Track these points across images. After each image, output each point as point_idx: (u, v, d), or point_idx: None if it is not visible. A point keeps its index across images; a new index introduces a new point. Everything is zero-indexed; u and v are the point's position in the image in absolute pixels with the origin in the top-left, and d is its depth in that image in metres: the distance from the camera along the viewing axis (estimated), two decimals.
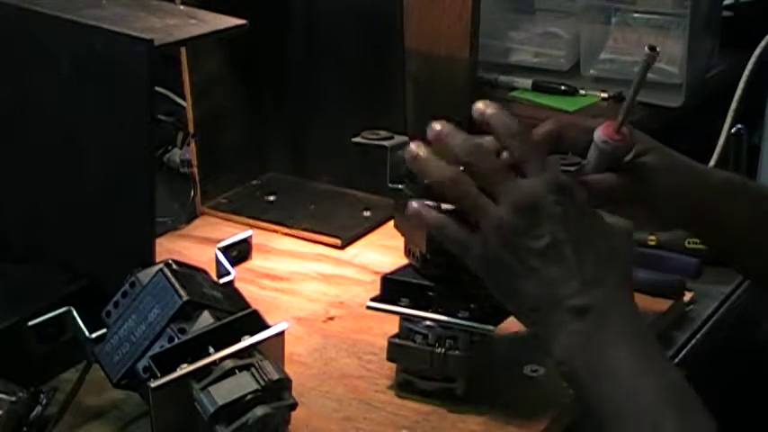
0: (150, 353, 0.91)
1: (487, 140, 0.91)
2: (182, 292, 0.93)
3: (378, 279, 1.00)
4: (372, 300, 0.99)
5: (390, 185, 0.96)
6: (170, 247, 1.22)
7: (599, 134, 0.98)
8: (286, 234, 1.30)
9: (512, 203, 0.85)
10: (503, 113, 0.90)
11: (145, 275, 0.95)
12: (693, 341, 1.14)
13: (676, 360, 1.11)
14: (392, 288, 0.99)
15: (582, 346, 0.83)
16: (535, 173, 0.87)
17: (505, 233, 0.85)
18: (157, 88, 1.31)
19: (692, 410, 0.81)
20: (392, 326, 1.00)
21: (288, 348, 0.95)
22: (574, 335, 0.83)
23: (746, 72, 1.45)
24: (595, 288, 0.84)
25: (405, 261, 0.99)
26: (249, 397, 0.87)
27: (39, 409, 0.94)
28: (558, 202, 0.85)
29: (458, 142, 0.89)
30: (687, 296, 1.18)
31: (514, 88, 1.55)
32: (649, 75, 1.50)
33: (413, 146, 0.90)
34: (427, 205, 0.90)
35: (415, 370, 0.98)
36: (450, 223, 0.89)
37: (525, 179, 0.86)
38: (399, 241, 1.00)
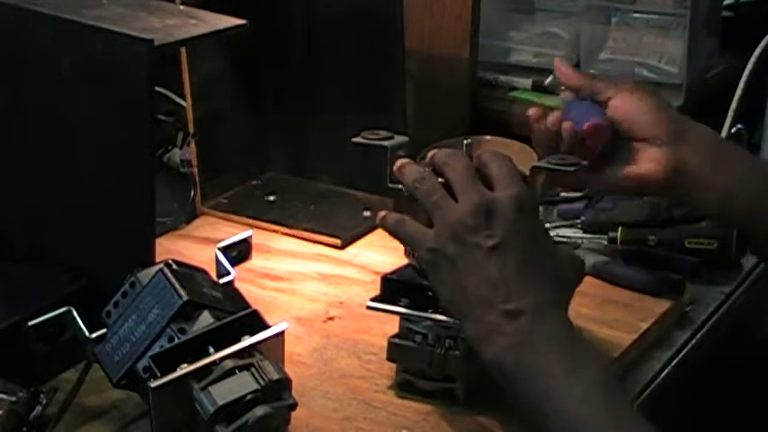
0: (150, 353, 0.91)
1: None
2: (182, 292, 0.93)
3: (378, 279, 1.00)
4: (372, 300, 0.99)
5: (390, 185, 0.96)
6: (170, 247, 1.22)
7: None
8: (286, 234, 1.30)
9: (471, 203, 0.89)
10: (493, 152, 0.94)
11: (145, 275, 0.95)
12: (693, 341, 1.14)
13: (676, 360, 1.11)
14: (392, 288, 0.99)
15: (512, 346, 0.86)
16: (502, 186, 0.90)
17: (458, 229, 0.88)
18: (157, 88, 1.31)
19: (617, 406, 0.84)
20: (392, 326, 1.00)
21: (288, 348, 0.95)
22: (507, 335, 0.86)
23: (746, 72, 1.45)
24: (529, 296, 0.87)
25: (405, 261, 0.99)
26: (249, 397, 0.87)
27: (39, 409, 0.94)
28: (515, 212, 0.89)
29: (440, 152, 0.94)
30: (687, 296, 1.18)
31: (514, 88, 1.55)
32: (649, 75, 1.52)
33: (399, 161, 0.95)
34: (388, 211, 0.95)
35: (415, 370, 0.98)
36: (408, 219, 0.93)
37: (491, 191, 0.90)
38: None
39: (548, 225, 1.26)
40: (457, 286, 0.89)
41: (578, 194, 1.31)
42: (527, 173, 0.97)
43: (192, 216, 1.34)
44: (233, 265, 1.04)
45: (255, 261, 1.14)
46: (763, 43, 1.46)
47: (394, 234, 0.93)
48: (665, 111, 1.04)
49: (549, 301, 0.88)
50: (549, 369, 0.84)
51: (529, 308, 0.86)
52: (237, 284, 1.02)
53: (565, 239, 1.25)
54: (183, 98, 1.32)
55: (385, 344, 0.99)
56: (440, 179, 0.92)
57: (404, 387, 1.00)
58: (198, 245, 1.26)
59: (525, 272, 0.87)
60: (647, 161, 1.01)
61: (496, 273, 0.87)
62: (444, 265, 0.89)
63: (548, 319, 0.86)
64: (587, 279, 1.18)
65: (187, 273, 0.96)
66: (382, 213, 0.94)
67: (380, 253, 1.25)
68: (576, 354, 0.85)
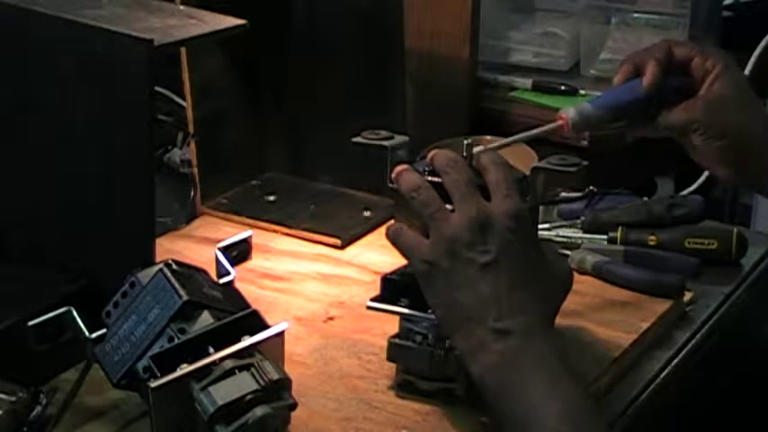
0: (150, 353, 0.91)
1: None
2: (182, 292, 0.93)
3: (378, 279, 1.00)
4: (372, 300, 0.99)
5: (390, 185, 0.96)
6: (170, 247, 1.22)
7: None
8: (286, 234, 1.30)
9: (468, 217, 0.88)
10: (492, 154, 0.94)
11: (145, 275, 0.95)
12: (693, 341, 1.14)
13: (676, 360, 1.11)
14: (392, 288, 0.99)
15: (498, 365, 0.86)
16: (499, 199, 0.90)
17: (453, 243, 0.88)
18: (157, 88, 1.31)
19: None
20: (392, 326, 1.00)
21: (288, 348, 0.95)
22: (493, 353, 0.86)
23: (746, 72, 1.45)
24: (520, 315, 0.87)
25: (405, 261, 0.99)
26: (249, 397, 0.87)
27: (39, 409, 0.94)
28: (511, 230, 0.88)
29: (441, 156, 0.93)
30: (687, 296, 1.18)
31: (514, 88, 1.55)
32: None
33: (397, 167, 0.94)
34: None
35: (415, 370, 0.98)
36: (406, 229, 0.93)
37: (489, 202, 0.90)
38: None
39: (548, 225, 1.27)
40: (449, 300, 0.89)
41: (578, 194, 1.31)
42: (527, 173, 0.97)
43: (192, 216, 1.34)
44: (233, 265, 1.04)
45: (255, 261, 1.14)
46: (763, 43, 1.47)
47: (392, 243, 0.93)
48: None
49: (537, 321, 0.88)
50: (528, 394, 0.85)
51: (518, 328, 0.86)
52: (237, 284, 1.02)
53: (565, 239, 1.25)
54: (183, 98, 1.32)
55: (385, 344, 0.99)
56: (437, 179, 0.92)
57: (404, 387, 1.00)
58: (198, 245, 1.26)
59: (517, 290, 0.88)
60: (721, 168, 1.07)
61: (489, 290, 0.87)
62: (438, 277, 0.89)
63: (534, 341, 0.87)
64: (587, 279, 1.18)
65: (187, 273, 0.96)
66: (388, 224, 0.95)
67: (380, 253, 1.24)
68: (555, 380, 0.86)
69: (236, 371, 0.88)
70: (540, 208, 1.08)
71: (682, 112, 1.06)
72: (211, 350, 0.89)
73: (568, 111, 1.05)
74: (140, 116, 1.01)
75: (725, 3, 1.69)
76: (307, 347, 1.07)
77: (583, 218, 1.27)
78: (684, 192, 1.53)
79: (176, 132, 1.40)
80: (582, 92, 1.53)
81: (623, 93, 1.07)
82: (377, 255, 1.25)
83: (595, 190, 1.31)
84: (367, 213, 1.33)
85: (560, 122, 1.05)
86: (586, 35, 1.56)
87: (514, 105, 1.50)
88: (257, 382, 0.88)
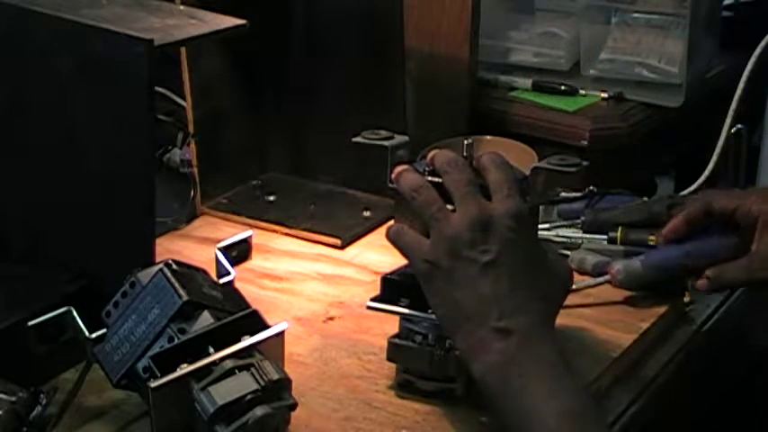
0: (150, 353, 0.91)
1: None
2: (182, 292, 0.93)
3: (378, 279, 1.00)
4: (372, 300, 0.99)
5: (390, 185, 0.96)
6: (170, 247, 1.22)
7: None
8: (286, 234, 1.30)
9: (469, 217, 0.89)
10: (493, 155, 0.94)
11: (145, 275, 0.95)
12: (693, 341, 1.14)
13: (676, 360, 1.11)
14: (392, 288, 0.99)
15: (499, 365, 0.86)
16: (500, 199, 0.90)
17: (454, 243, 0.88)
18: (157, 88, 1.31)
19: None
20: (392, 326, 1.00)
21: (288, 348, 0.95)
22: (494, 353, 0.86)
23: (746, 72, 1.45)
24: (521, 315, 0.87)
25: (405, 261, 0.99)
26: (249, 397, 0.87)
27: (39, 409, 0.93)
28: (512, 229, 0.89)
29: (441, 156, 0.93)
30: (687, 296, 1.18)
31: (514, 88, 1.55)
32: (649, 75, 1.52)
33: (397, 168, 0.95)
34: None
35: (415, 370, 0.98)
36: (406, 229, 0.93)
37: (489, 202, 0.90)
38: None
39: (548, 225, 1.27)
40: (450, 300, 0.89)
41: (578, 194, 1.31)
42: (527, 173, 0.97)
43: (192, 216, 1.34)
44: (233, 265, 1.04)
45: (255, 261, 1.14)
46: (763, 43, 1.46)
47: (393, 244, 0.94)
48: None
49: (538, 321, 0.88)
50: (529, 393, 0.85)
51: (519, 328, 0.87)
52: (237, 284, 1.02)
53: (565, 239, 1.25)
54: (183, 98, 1.32)
55: (385, 344, 0.99)
56: (437, 179, 0.92)
57: (404, 387, 1.00)
58: (198, 245, 1.26)
59: (518, 290, 0.88)
60: None
61: (490, 290, 0.87)
62: (439, 277, 0.89)
63: (535, 341, 0.87)
64: (587, 279, 1.18)
65: (187, 273, 0.96)
66: (388, 224, 0.96)
67: (380, 253, 1.25)
68: (556, 379, 0.86)
69: (236, 371, 0.88)
70: (540, 208, 1.08)
71: (739, 270, 1.07)
72: (211, 350, 0.89)
73: (618, 265, 1.11)
74: (141, 116, 1.01)
75: (725, 3, 1.69)
76: (307, 347, 1.07)
77: (583, 218, 1.27)
78: (684, 192, 1.53)
79: (176, 132, 1.40)
80: (582, 92, 1.52)
81: (672, 249, 1.10)
82: (377, 255, 1.25)
83: (595, 190, 1.30)
84: (367, 213, 1.33)
85: (608, 276, 1.12)
86: (586, 35, 1.56)
87: (514, 105, 1.50)
88: (257, 382, 0.88)
